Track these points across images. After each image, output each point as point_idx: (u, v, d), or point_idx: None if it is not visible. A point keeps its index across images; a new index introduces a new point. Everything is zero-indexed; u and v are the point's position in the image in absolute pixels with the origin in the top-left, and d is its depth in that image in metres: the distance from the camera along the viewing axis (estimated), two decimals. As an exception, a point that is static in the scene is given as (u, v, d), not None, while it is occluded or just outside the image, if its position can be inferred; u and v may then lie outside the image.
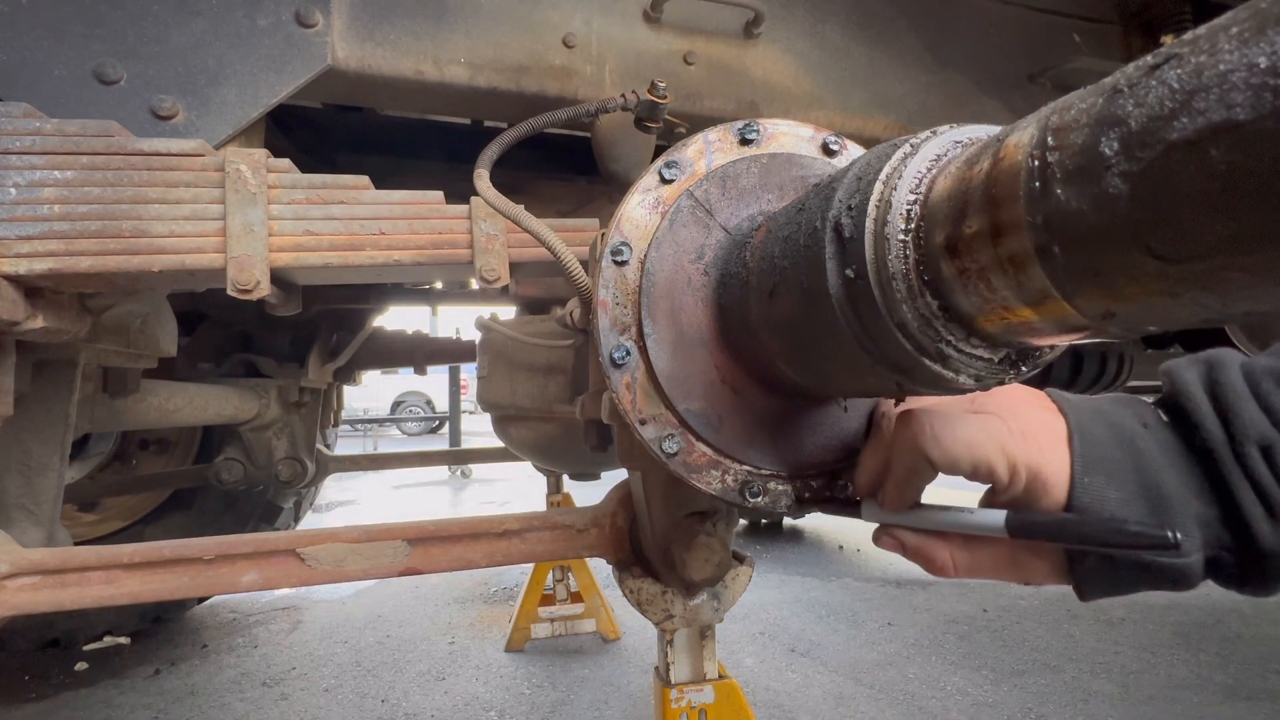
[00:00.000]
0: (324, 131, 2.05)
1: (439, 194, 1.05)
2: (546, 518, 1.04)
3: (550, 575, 3.34)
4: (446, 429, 12.22)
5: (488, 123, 2.01)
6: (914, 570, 4.36)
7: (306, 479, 2.70)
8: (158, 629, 3.35)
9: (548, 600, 3.32)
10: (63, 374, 1.29)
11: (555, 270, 0.96)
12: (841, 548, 5.06)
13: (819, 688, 2.78)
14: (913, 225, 0.42)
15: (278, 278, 1.00)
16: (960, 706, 2.61)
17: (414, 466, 3.68)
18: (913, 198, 0.42)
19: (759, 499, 0.64)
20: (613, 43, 1.28)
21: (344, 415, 3.71)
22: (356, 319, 2.82)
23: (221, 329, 2.71)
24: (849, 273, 0.45)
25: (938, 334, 0.42)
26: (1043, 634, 3.30)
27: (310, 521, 4.66)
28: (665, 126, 1.24)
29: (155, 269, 0.91)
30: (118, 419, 1.89)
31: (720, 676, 1.07)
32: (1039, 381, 2.62)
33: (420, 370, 3.60)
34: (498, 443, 2.39)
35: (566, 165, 2.18)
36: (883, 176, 0.43)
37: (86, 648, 3.10)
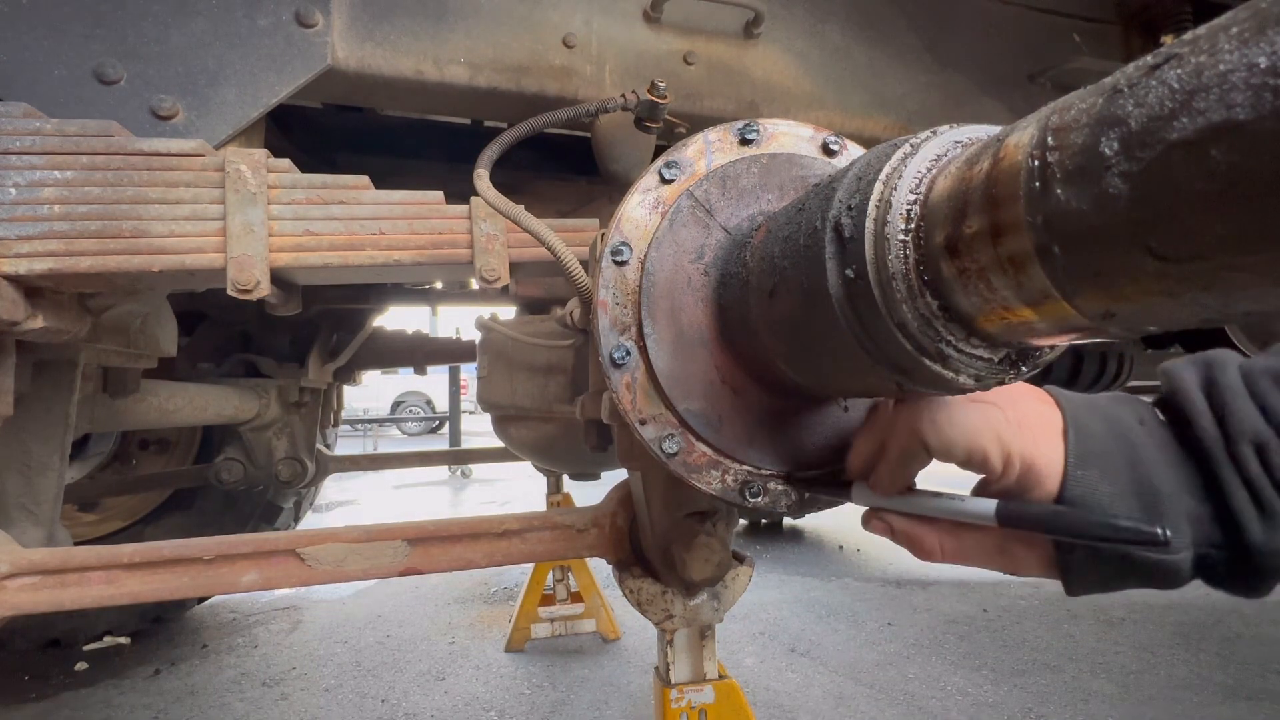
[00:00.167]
0: (324, 131, 2.05)
1: (439, 194, 1.05)
2: (546, 518, 1.04)
3: (550, 575, 3.34)
4: (446, 429, 12.22)
5: (488, 123, 2.01)
6: (914, 570, 4.36)
7: (306, 479, 2.70)
8: (158, 629, 3.35)
9: (548, 600, 3.32)
10: (63, 374, 1.29)
11: (555, 270, 0.96)
12: (841, 548, 5.06)
13: (819, 688, 2.78)
14: (913, 225, 0.42)
15: (278, 278, 1.00)
16: (960, 706, 2.61)
17: (414, 466, 3.68)
18: (913, 198, 0.42)
19: (759, 499, 0.64)
20: (613, 43, 1.28)
21: (344, 415, 3.71)
22: (356, 319, 2.82)
23: (221, 329, 2.71)
24: (849, 273, 0.45)
25: (938, 334, 0.42)
26: (1043, 634, 3.30)
27: (310, 521, 4.66)
28: (665, 126, 1.24)
29: (155, 269, 0.91)
30: (118, 419, 1.89)
31: (720, 676, 1.07)
32: (1039, 381, 2.61)
33: (420, 370, 3.60)
34: (498, 443, 2.39)
35: (566, 165, 2.18)
36: (883, 176, 0.43)
37: (86, 648, 3.10)
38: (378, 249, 1.00)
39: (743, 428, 0.64)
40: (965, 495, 0.55)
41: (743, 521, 5.52)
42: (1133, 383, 2.71)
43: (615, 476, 1.41)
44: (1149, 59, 0.30)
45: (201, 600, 3.66)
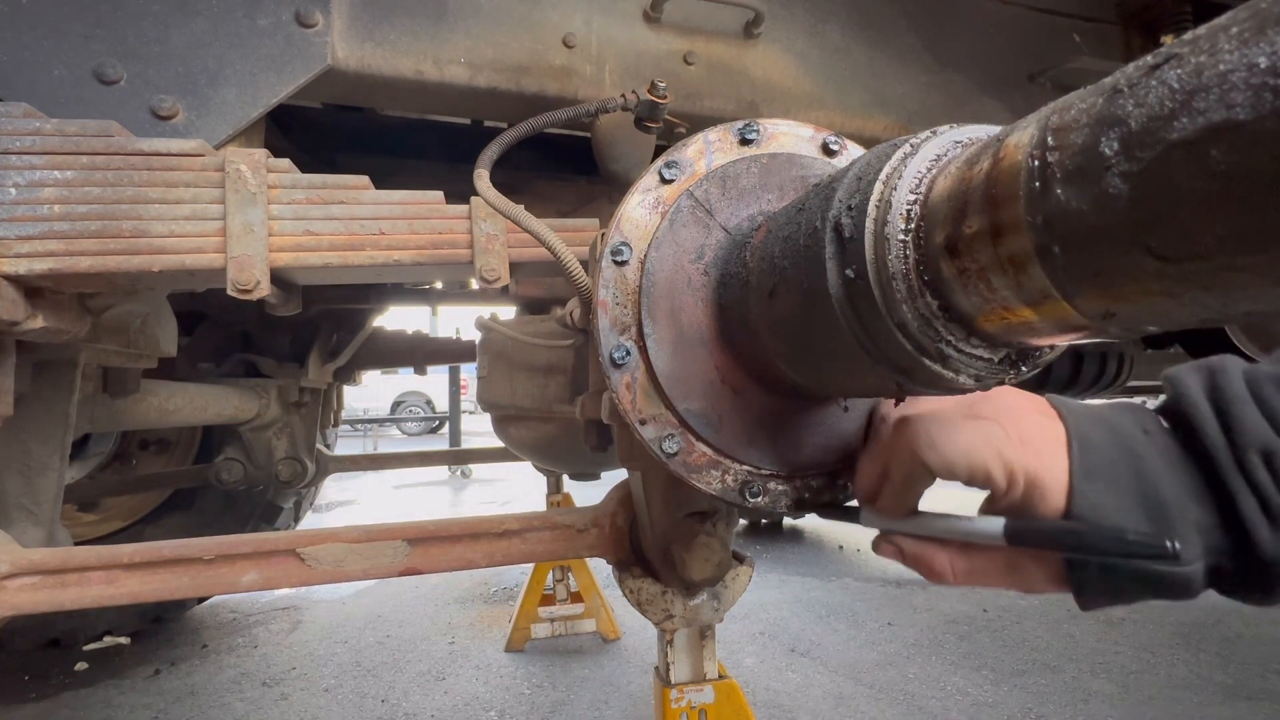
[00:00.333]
0: (324, 131, 2.05)
1: (439, 194, 1.05)
2: (546, 518, 1.04)
3: (550, 575, 3.34)
4: (446, 429, 12.22)
5: (488, 123, 2.01)
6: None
7: (306, 479, 2.70)
8: (158, 629, 3.35)
9: (548, 600, 3.32)
10: (63, 374, 1.29)
11: (555, 270, 0.95)
12: (841, 548, 5.06)
13: (819, 688, 2.78)
14: (913, 225, 0.42)
15: (278, 278, 1.00)
16: (960, 706, 2.61)
17: (414, 466, 3.68)
18: (913, 198, 0.42)
19: (759, 499, 0.64)
20: (613, 43, 1.28)
21: (344, 415, 3.71)
22: (356, 319, 2.82)
23: (221, 329, 2.71)
24: (849, 273, 0.45)
25: (938, 334, 0.42)
26: (1043, 634, 3.30)
27: (310, 521, 4.66)
28: (665, 126, 1.24)
29: (155, 269, 0.91)
30: (118, 419, 1.89)
31: (720, 676, 1.07)
32: (1039, 382, 2.62)
33: (420, 370, 3.60)
34: (498, 443, 2.39)
35: (566, 165, 2.18)
36: (883, 176, 0.43)
37: (86, 648, 3.10)
38: (378, 249, 1.00)
39: (743, 428, 0.64)
40: (973, 515, 0.55)
41: (743, 521, 5.52)
42: (1132, 383, 2.71)
43: (615, 476, 1.41)
44: (1149, 59, 0.30)
45: (201, 600, 3.66)
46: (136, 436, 2.92)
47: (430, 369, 3.80)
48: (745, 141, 0.66)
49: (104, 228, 0.90)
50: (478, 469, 9.42)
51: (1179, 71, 0.28)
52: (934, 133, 0.44)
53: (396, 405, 15.65)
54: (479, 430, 12.25)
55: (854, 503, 0.66)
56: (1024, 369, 0.46)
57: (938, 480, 0.56)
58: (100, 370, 1.75)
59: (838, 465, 0.67)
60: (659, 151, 0.91)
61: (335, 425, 3.25)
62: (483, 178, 0.97)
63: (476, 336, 1.97)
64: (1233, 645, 3.11)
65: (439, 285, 2.99)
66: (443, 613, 3.75)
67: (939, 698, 2.68)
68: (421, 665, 3.05)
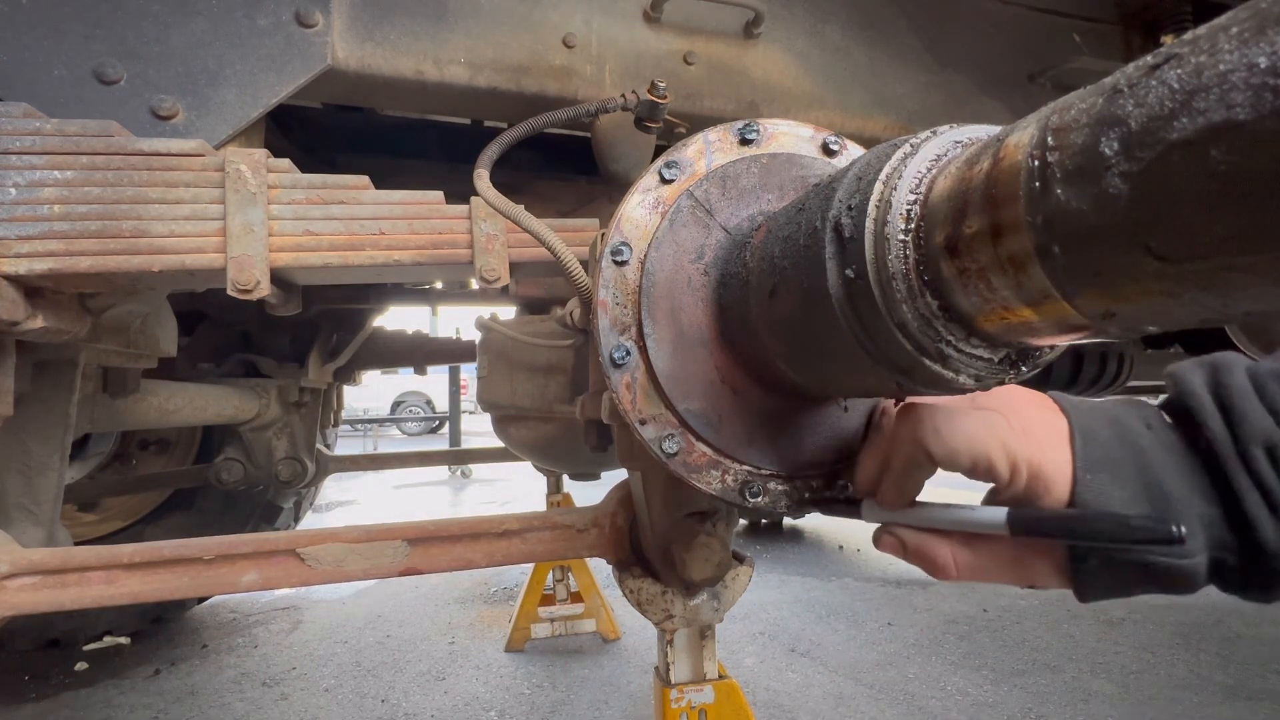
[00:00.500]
0: (324, 131, 2.05)
1: (439, 194, 1.05)
2: (546, 518, 1.04)
3: (550, 575, 3.34)
4: (446, 429, 12.22)
5: (488, 123, 2.01)
6: (914, 570, 4.35)
7: (306, 479, 2.70)
8: (158, 629, 3.35)
9: (548, 600, 3.32)
10: (63, 374, 1.29)
11: (555, 270, 0.96)
12: (841, 548, 5.06)
13: (819, 688, 2.78)
14: (913, 225, 0.42)
15: (278, 278, 1.00)
16: (960, 706, 2.61)
17: (414, 466, 3.68)
18: (913, 198, 0.42)
19: (759, 499, 0.64)
20: (613, 43, 1.28)
21: (344, 415, 3.71)
22: (356, 319, 2.82)
23: (221, 329, 2.71)
24: (849, 273, 0.45)
25: (938, 334, 0.42)
26: (1043, 634, 3.30)
27: (310, 521, 4.66)
28: (665, 126, 1.24)
29: (155, 269, 0.91)
30: (118, 419, 1.89)
31: (720, 676, 1.07)
32: (1039, 381, 2.62)
33: (420, 370, 3.60)
34: (498, 443, 2.39)
35: (566, 165, 2.18)
36: (883, 176, 0.43)
37: (86, 648, 3.10)
38: (378, 249, 1.00)
39: (743, 428, 0.64)
40: (975, 505, 0.54)
41: (743, 521, 5.53)
42: (1133, 382, 2.71)
43: (615, 476, 1.41)
44: (1149, 59, 0.30)
45: (201, 600, 3.66)
46: (136, 436, 2.92)
47: (430, 369, 3.80)
48: (745, 141, 0.66)
49: (104, 228, 0.90)
50: (478, 469, 9.43)
51: (1179, 71, 0.28)
52: (934, 133, 0.44)
53: (396, 405, 15.65)
54: (479, 430, 12.25)
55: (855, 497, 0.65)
56: (1024, 369, 0.46)
57: (937, 481, 0.56)
58: (100, 370, 1.75)
59: (838, 465, 0.67)
60: (659, 151, 0.91)
61: (335, 425, 3.25)
62: (483, 178, 0.97)
63: (476, 336, 1.97)
64: (1233, 645, 3.11)
65: (439, 285, 2.99)
66: (443, 613, 3.75)
67: (939, 698, 2.68)
68: (421, 665, 3.05)
